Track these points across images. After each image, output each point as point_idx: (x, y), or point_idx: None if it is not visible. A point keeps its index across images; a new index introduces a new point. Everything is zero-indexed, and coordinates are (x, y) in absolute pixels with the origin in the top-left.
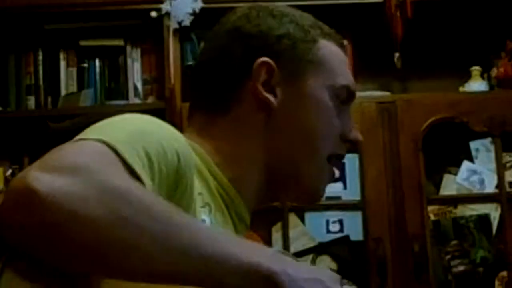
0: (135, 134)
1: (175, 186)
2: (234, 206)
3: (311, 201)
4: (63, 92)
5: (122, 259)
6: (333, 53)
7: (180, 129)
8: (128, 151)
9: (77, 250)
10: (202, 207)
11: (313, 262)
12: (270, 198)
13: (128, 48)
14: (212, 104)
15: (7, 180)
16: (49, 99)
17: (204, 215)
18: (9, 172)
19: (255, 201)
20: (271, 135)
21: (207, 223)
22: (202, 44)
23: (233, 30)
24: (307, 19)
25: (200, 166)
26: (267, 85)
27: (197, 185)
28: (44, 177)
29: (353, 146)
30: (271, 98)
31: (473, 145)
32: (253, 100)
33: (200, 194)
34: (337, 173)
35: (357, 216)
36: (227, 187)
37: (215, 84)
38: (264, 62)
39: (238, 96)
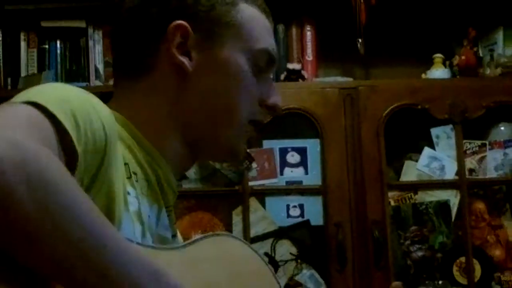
0: (63, 99)
1: (102, 153)
2: (161, 171)
3: (230, 161)
4: (23, 73)
5: (34, 250)
6: (254, 17)
7: None
8: (58, 112)
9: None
10: (128, 178)
11: (274, 246)
12: (193, 160)
13: (90, 30)
14: (130, 69)
15: None
16: (9, 80)
17: (129, 187)
18: None
19: (180, 164)
20: (187, 99)
21: (131, 195)
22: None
23: None
24: None
25: (123, 134)
26: (182, 48)
27: (123, 154)
28: None
29: (272, 113)
30: (185, 61)
31: (434, 132)
32: (168, 64)
33: (125, 164)
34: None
35: (318, 201)
36: (151, 151)
37: (131, 48)
38: (178, 25)
39: (154, 60)
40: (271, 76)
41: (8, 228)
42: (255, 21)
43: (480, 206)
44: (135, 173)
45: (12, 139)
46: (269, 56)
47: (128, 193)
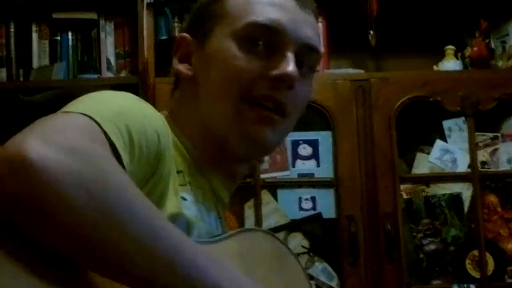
0: (118, 112)
1: (155, 165)
2: (210, 183)
3: (254, 149)
4: (35, 64)
5: (101, 255)
6: (240, 1)
7: (153, 104)
8: (112, 129)
9: (58, 233)
10: (183, 185)
11: (286, 239)
12: (228, 160)
13: (102, 21)
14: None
15: None
16: (21, 71)
17: (185, 193)
18: None
19: (224, 172)
20: (199, 102)
21: (189, 201)
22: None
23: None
24: None
25: (178, 144)
26: (186, 57)
27: (177, 162)
28: (43, 150)
29: (283, 82)
30: (183, 68)
31: (446, 124)
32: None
33: (180, 172)
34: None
35: (330, 193)
36: (198, 158)
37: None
38: (179, 37)
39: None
40: (283, 48)
41: (72, 235)
42: (244, 1)
43: (492, 199)
44: (189, 182)
45: (68, 144)
46: (257, 26)
47: (185, 199)
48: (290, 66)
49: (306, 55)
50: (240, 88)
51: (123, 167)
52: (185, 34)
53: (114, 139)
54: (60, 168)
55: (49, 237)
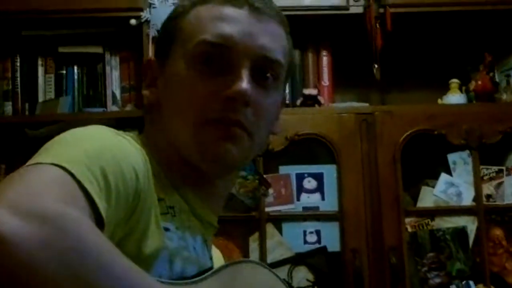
0: (92, 153)
1: (135, 203)
2: (191, 206)
3: (216, 165)
4: (40, 98)
5: None
6: (197, 16)
7: None
8: (85, 175)
9: None
10: (164, 213)
11: (290, 272)
12: (203, 179)
13: (107, 55)
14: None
15: None
16: (27, 105)
17: (167, 223)
18: None
19: (203, 192)
20: (164, 122)
21: (171, 230)
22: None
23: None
24: None
25: (157, 168)
26: (148, 81)
27: (158, 190)
28: (13, 221)
29: (235, 102)
30: (149, 94)
31: (451, 157)
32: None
33: (161, 200)
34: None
35: (335, 227)
36: (178, 183)
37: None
38: (145, 63)
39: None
40: (237, 64)
41: None
42: (196, 19)
43: (497, 232)
44: (171, 207)
45: (39, 211)
46: (207, 45)
47: (167, 229)
48: (243, 84)
49: (268, 66)
50: (194, 112)
51: (99, 214)
52: (151, 58)
53: (88, 186)
54: (31, 241)
55: None
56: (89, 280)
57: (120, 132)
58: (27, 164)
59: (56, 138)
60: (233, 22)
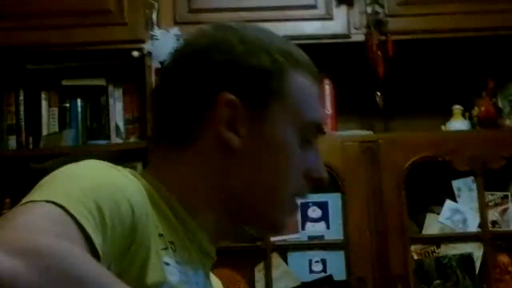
0: (87, 189)
1: (131, 238)
2: (196, 239)
3: (272, 234)
4: (44, 132)
5: None
6: (302, 86)
7: None
8: (80, 211)
9: None
10: (164, 249)
11: None
12: (232, 230)
13: (110, 87)
14: (173, 136)
15: None
16: (31, 139)
17: (167, 258)
18: None
19: (217, 233)
20: (230, 175)
21: (172, 265)
22: (166, 63)
23: (198, 54)
24: (278, 45)
25: (159, 203)
26: (231, 123)
27: (158, 225)
28: (6, 261)
29: (318, 185)
30: (233, 138)
31: (455, 184)
32: (214, 137)
33: (161, 235)
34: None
35: (340, 255)
36: (187, 220)
37: (175, 114)
38: (228, 101)
39: (199, 130)
40: (317, 146)
41: None
42: (304, 91)
43: (504, 259)
44: (172, 242)
45: (32, 247)
46: (317, 127)
47: (167, 264)
48: (325, 169)
49: None
50: (296, 187)
51: (95, 249)
52: (234, 99)
53: (83, 222)
54: (27, 279)
55: None
56: None
57: (117, 167)
58: (20, 203)
59: (49, 176)
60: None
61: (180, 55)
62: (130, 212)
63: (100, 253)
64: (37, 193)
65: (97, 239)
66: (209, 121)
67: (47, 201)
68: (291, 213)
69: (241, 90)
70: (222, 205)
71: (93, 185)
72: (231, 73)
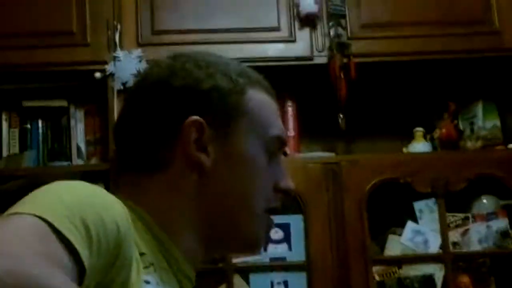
0: (72, 206)
1: (115, 255)
2: (177, 263)
3: (252, 253)
4: (5, 153)
5: None
6: (263, 103)
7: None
8: (66, 225)
9: None
10: (146, 267)
11: None
12: (213, 253)
13: (72, 109)
14: (141, 164)
15: None
16: None
17: (148, 276)
18: None
19: (194, 257)
20: (205, 195)
21: (152, 283)
22: (123, 98)
23: (158, 84)
24: (233, 67)
25: (138, 225)
26: (199, 143)
27: (140, 245)
28: None
29: (287, 196)
30: (202, 157)
31: (417, 205)
32: (184, 159)
33: (142, 254)
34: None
35: (302, 277)
36: (167, 244)
37: (142, 143)
38: (194, 121)
39: (168, 155)
40: (281, 159)
41: None
42: (264, 107)
43: (464, 280)
44: (152, 263)
45: (12, 266)
46: (280, 141)
47: (148, 282)
48: (290, 179)
49: None
50: (267, 201)
51: (81, 262)
52: (199, 119)
53: (68, 235)
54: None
55: None
56: None
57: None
58: (5, 213)
59: (36, 191)
60: None
61: (141, 86)
62: (116, 230)
63: (86, 267)
64: (21, 207)
65: (83, 252)
66: (177, 146)
67: (32, 214)
68: (267, 229)
69: (204, 111)
70: (198, 226)
71: (78, 202)
72: (192, 97)
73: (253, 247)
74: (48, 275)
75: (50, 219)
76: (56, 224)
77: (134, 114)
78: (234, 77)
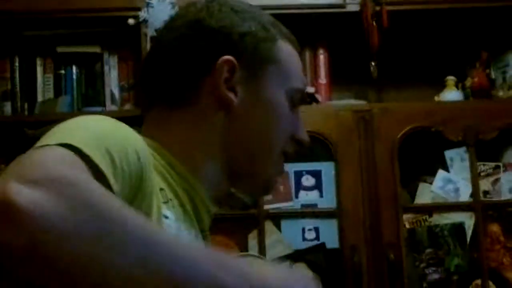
0: (97, 136)
1: (137, 185)
2: (198, 196)
3: (263, 193)
4: (40, 98)
5: (103, 280)
6: (291, 55)
7: None
8: (93, 152)
9: (61, 269)
10: (165, 202)
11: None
12: (228, 187)
13: (105, 55)
14: (171, 97)
15: None
16: (26, 105)
17: (167, 211)
18: None
19: (215, 190)
20: (230, 131)
21: (170, 219)
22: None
23: (194, 22)
24: (266, 17)
25: (157, 161)
26: (228, 83)
27: (158, 181)
28: (24, 191)
29: (301, 147)
30: (232, 96)
31: (448, 154)
32: (214, 96)
33: (161, 189)
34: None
35: (333, 224)
36: (187, 177)
37: (174, 77)
38: (227, 60)
39: (198, 90)
40: (300, 112)
41: (75, 270)
42: (292, 58)
43: (495, 228)
44: (170, 199)
45: (46, 176)
46: (303, 94)
47: (166, 217)
48: (307, 135)
49: None
50: (284, 144)
51: (110, 187)
52: (232, 59)
53: (97, 161)
54: (44, 205)
55: (49, 277)
56: (109, 232)
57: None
58: (33, 147)
59: (60, 125)
60: None
61: (176, 24)
62: (137, 161)
63: (114, 191)
64: (48, 139)
65: (110, 178)
66: (207, 84)
67: (60, 145)
68: (279, 171)
69: (237, 53)
70: (221, 157)
71: (102, 133)
72: (227, 39)
73: (266, 187)
74: (97, 190)
75: (79, 147)
76: (85, 151)
77: (167, 50)
78: (267, 26)
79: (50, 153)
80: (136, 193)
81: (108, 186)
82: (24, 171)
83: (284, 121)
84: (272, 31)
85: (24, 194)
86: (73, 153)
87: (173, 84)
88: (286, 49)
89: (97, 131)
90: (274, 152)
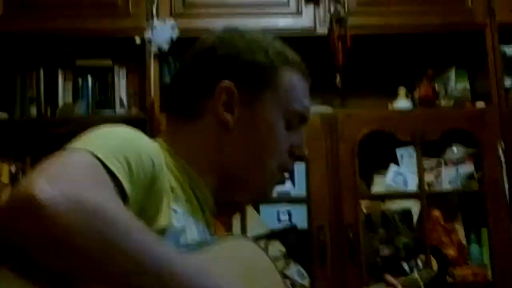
0: (117, 145)
1: (151, 186)
2: (202, 195)
3: (259, 201)
4: (60, 103)
5: (103, 272)
6: (292, 80)
7: (157, 134)
8: (113, 162)
9: (73, 260)
10: (175, 199)
11: (266, 246)
12: (226, 197)
13: (116, 67)
14: (181, 112)
15: (11, 175)
16: (49, 108)
17: (176, 206)
18: (13, 168)
19: (215, 194)
20: (226, 147)
21: (179, 213)
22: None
23: (207, 49)
24: (274, 45)
25: (170, 164)
26: (227, 105)
27: (171, 181)
28: (47, 190)
29: (299, 160)
30: (228, 117)
31: (399, 152)
32: (214, 116)
33: (172, 188)
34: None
35: (303, 208)
36: (195, 178)
37: (186, 94)
38: (225, 87)
39: (201, 109)
40: (302, 129)
41: (82, 258)
42: (292, 84)
43: (436, 213)
44: (180, 196)
45: (74, 184)
46: (301, 116)
47: (175, 211)
48: (305, 148)
49: None
50: (280, 161)
51: (125, 193)
52: (230, 85)
53: (115, 171)
54: (64, 207)
55: (61, 263)
56: (115, 241)
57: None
58: (66, 147)
59: (87, 134)
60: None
61: (195, 49)
62: (151, 166)
63: (129, 196)
64: (78, 143)
65: (126, 184)
66: (209, 104)
67: (86, 150)
68: (278, 183)
69: (238, 79)
70: (216, 174)
71: (122, 142)
72: (231, 65)
73: (260, 194)
74: (106, 196)
75: (100, 156)
76: (105, 160)
77: (186, 72)
78: (271, 55)
79: (77, 158)
80: (149, 192)
81: (121, 188)
82: (51, 171)
83: (278, 140)
84: (276, 59)
85: (47, 192)
86: (95, 159)
87: (186, 99)
88: (287, 76)
89: (118, 141)
90: (266, 165)
